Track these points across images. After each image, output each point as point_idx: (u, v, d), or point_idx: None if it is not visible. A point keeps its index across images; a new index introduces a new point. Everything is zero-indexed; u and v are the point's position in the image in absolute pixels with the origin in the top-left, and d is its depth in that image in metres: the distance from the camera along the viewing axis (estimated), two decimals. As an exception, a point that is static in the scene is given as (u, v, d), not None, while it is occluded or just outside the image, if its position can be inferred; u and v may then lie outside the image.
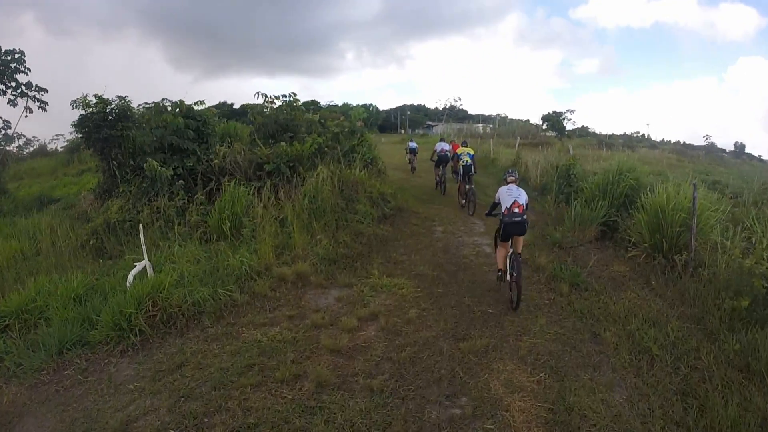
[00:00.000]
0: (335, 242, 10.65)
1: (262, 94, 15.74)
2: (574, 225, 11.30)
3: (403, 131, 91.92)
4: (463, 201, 14.90)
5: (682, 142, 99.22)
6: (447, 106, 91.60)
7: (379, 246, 10.97)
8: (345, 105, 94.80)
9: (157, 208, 11.68)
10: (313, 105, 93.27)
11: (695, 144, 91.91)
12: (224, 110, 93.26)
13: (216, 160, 13.27)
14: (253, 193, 12.13)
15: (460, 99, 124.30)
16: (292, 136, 14.97)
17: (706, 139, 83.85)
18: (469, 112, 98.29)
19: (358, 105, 20.86)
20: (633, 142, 74.15)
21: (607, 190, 11.56)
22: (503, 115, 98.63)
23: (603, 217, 11.13)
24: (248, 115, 16.87)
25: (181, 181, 12.31)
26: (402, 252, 10.68)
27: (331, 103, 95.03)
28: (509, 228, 7.62)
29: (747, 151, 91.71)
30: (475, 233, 12.00)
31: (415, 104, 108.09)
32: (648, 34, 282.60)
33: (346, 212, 12.21)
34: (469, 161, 14.56)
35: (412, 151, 25.06)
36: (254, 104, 16.13)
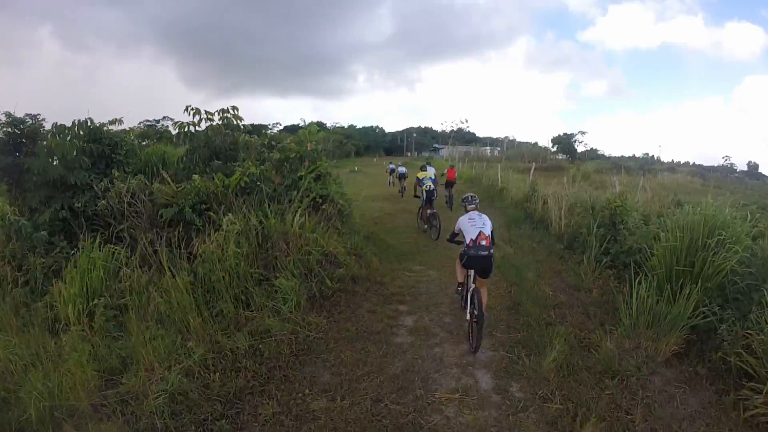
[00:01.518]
0: (217, 354, 5.96)
1: (193, 109, 10.93)
2: (637, 324, 6.24)
3: (409, 154, 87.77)
4: (426, 226, 13.77)
5: (692, 163, 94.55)
6: (454, 129, 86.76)
7: (289, 365, 5.97)
8: (351, 127, 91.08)
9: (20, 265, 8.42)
10: (318, 126, 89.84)
11: (705, 165, 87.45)
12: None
13: (102, 201, 8.94)
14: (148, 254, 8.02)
15: (467, 121, 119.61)
16: (222, 164, 10.44)
17: (726, 159, 77.84)
18: (476, 135, 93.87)
19: (311, 123, 15.74)
20: (648, 164, 68.91)
21: (694, 264, 6.47)
22: (511, 138, 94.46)
23: (692, 316, 6.06)
24: (173, 136, 12.07)
25: (43, 233, 8.62)
26: (323, 384, 5.60)
27: (336, 125, 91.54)
28: (473, 262, 6.68)
29: (760, 170, 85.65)
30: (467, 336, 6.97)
31: (423, 127, 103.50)
32: (655, 54, 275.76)
33: (258, 290, 7.40)
34: (432, 186, 13.54)
35: (401, 176, 25.68)
36: (184, 122, 11.27)
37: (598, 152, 77.54)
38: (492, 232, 6.83)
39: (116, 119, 10.54)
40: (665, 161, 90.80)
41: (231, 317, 6.95)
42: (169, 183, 9.52)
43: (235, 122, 11.56)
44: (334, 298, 7.88)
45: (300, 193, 9.49)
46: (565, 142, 72.26)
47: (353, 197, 19.30)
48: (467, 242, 6.66)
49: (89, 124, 9.91)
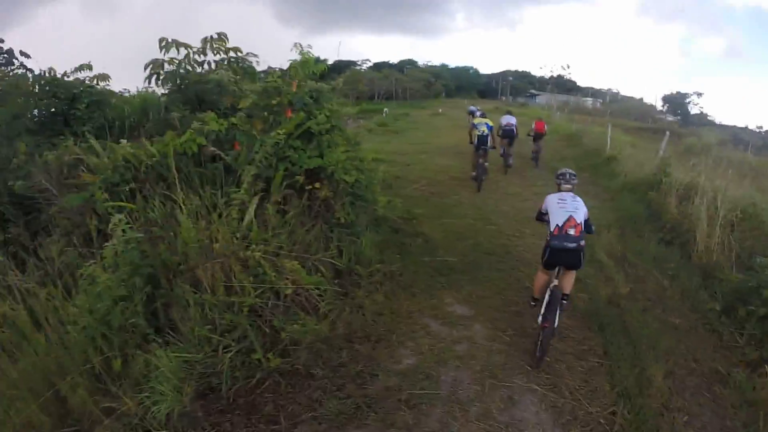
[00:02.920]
0: None
1: (170, 41, 7.47)
2: None
3: (503, 98, 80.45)
4: (474, 174, 12.33)
5: None
6: (554, 75, 78.06)
7: None
8: (443, 66, 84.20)
9: None
10: (410, 64, 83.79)
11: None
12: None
13: (19, 181, 6.39)
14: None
15: (568, 67, 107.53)
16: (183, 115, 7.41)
17: None
18: (577, 84, 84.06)
19: (307, 53, 6.58)
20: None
21: None
22: (615, 91, 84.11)
23: None
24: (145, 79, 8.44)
25: None
26: None
27: (428, 64, 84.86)
28: (557, 255, 5.10)
29: None
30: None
31: (520, 71, 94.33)
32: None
33: (137, 358, 3.89)
34: (487, 131, 12.01)
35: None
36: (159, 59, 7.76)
37: (707, 117, 66.12)
38: (587, 221, 5.26)
39: (84, 65, 7.87)
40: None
41: (78, 410, 3.44)
42: (98, 151, 6.34)
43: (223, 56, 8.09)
44: (261, 391, 3.94)
45: (255, 167, 5.48)
46: (677, 102, 62.44)
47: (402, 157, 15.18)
48: (551, 229, 5.18)
49: (47, 74, 7.71)
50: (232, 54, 8.22)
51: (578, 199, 5.33)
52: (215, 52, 7.92)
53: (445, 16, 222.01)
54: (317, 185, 6.05)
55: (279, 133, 5.78)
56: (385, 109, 35.98)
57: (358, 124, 29.07)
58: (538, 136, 15.94)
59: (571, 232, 5.02)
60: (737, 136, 52.98)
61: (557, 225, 5.10)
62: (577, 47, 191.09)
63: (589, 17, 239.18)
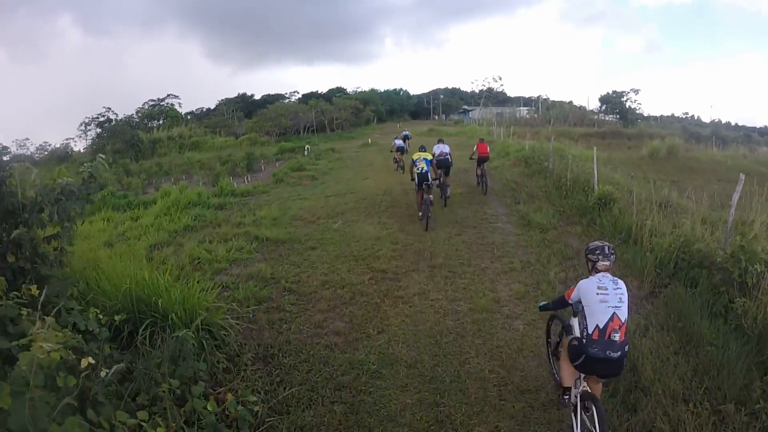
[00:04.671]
0: None
1: None
2: None
3: (436, 117, 77.49)
4: (420, 213, 11.53)
5: (734, 124, 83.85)
6: (485, 88, 75.38)
7: None
8: (372, 91, 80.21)
9: None
10: (339, 92, 79.51)
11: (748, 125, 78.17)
12: (243, 104, 79.19)
13: None
14: None
15: (500, 79, 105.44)
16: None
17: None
18: (507, 95, 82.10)
19: None
20: (720, 130, 57.08)
21: None
22: (545, 97, 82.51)
23: None
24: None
25: None
26: None
27: (357, 90, 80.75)
28: (595, 365, 3.65)
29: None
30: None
31: (450, 87, 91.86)
32: (690, 10, 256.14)
33: None
34: (426, 168, 11.41)
35: (400, 150, 20.54)
36: None
37: (636, 111, 63.65)
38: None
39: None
40: (706, 122, 79.68)
41: None
42: None
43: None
44: None
45: None
46: (615, 102, 60.23)
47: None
48: (589, 330, 3.60)
49: None
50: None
51: (620, 283, 3.70)
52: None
53: (374, 41, 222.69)
54: None
55: None
56: (307, 147, 31.03)
57: (273, 168, 24.25)
58: (482, 160, 14.76)
59: (616, 337, 3.49)
60: (687, 129, 51.54)
61: (597, 326, 3.57)
62: (504, 58, 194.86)
63: (512, 29, 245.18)
